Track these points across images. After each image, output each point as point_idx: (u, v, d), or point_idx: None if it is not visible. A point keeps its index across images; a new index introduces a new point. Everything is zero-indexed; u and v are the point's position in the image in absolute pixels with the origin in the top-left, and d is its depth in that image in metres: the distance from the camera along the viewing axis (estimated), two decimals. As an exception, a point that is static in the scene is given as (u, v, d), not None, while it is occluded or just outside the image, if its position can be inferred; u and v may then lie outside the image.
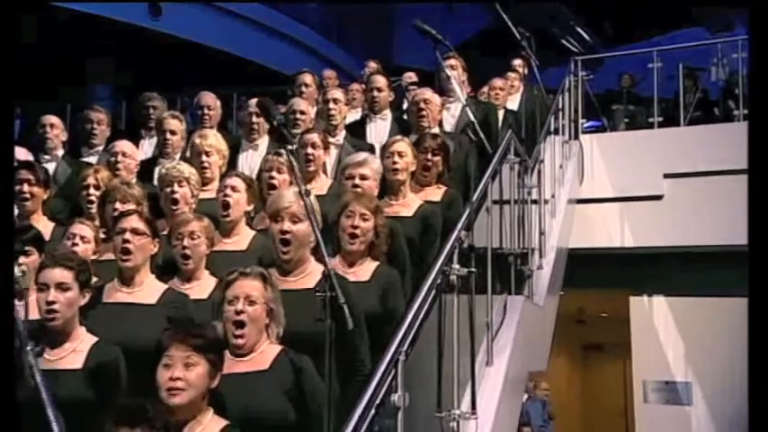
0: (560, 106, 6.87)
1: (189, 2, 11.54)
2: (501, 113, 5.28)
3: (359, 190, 3.19)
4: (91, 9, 10.97)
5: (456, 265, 3.22)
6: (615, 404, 10.55)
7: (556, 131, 6.63)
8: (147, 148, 4.72)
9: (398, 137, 3.58)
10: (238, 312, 2.37)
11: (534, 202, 5.23)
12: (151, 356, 2.45)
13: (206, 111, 4.63)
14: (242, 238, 3.33)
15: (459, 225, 3.30)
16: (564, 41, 11.39)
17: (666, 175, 7.49)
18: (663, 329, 8.05)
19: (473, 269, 3.33)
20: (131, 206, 3.23)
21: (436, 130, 3.95)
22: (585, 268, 7.36)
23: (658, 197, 7.57)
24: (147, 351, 2.59)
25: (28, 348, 1.81)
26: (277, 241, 2.65)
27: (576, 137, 7.72)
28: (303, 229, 2.64)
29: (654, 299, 8.13)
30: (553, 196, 6.26)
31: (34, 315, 2.64)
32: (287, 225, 2.63)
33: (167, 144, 4.25)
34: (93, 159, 4.54)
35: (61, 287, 2.47)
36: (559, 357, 10.52)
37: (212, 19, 11.85)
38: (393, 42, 14.88)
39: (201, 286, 3.00)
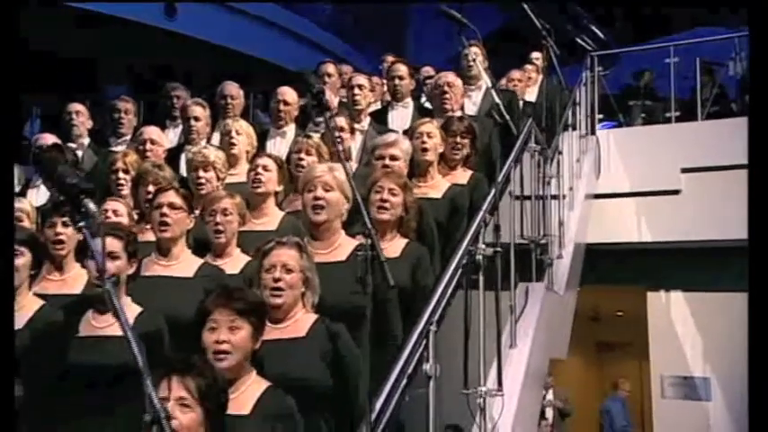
0: (577, 100, 6.94)
1: (204, 2, 11.68)
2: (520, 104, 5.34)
3: (388, 170, 3.26)
4: (107, 9, 11.16)
5: (482, 245, 3.29)
6: (630, 402, 10.54)
7: (573, 127, 6.70)
8: (173, 137, 4.82)
9: (426, 119, 3.66)
10: (276, 279, 2.45)
11: (554, 197, 5.29)
12: (189, 328, 2.54)
13: (229, 100, 4.72)
14: (272, 219, 3.40)
15: (485, 205, 3.38)
16: (578, 39, 11.43)
17: (684, 170, 7.52)
18: (680, 325, 8.07)
19: (499, 249, 3.40)
20: (164, 188, 3.31)
21: (458, 114, 4.02)
22: (602, 264, 7.41)
23: (676, 192, 7.60)
24: (184, 322, 2.69)
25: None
26: (309, 207, 2.74)
27: (593, 132, 7.78)
28: (335, 198, 2.73)
29: (671, 294, 8.15)
30: (571, 189, 6.32)
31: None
32: (320, 192, 2.71)
33: (192, 130, 4.34)
34: (120, 149, 4.64)
35: (111, 256, 2.55)
36: (574, 356, 10.53)
37: (226, 19, 11.99)
38: (406, 43, 14.98)
39: (233, 262, 3.08)
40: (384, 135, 3.51)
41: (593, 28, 11.31)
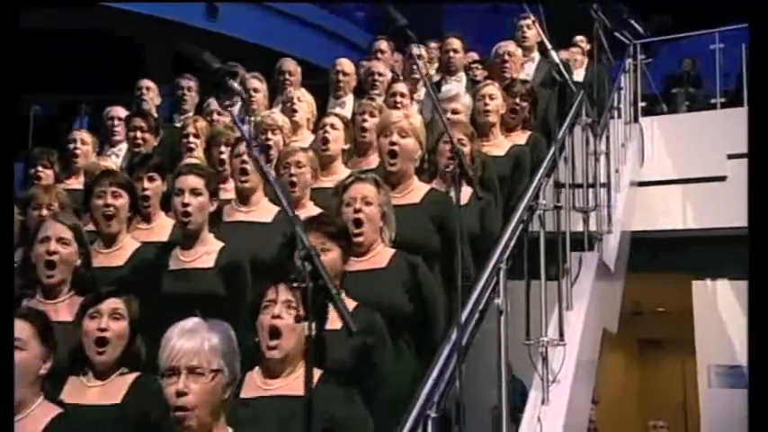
0: (621, 85, 7.04)
1: (245, 2, 12.02)
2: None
3: (455, 120, 3.42)
4: (150, 10, 11.54)
5: (543, 200, 3.44)
6: (674, 397, 10.53)
7: (617, 114, 6.80)
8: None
9: (488, 81, 3.82)
10: (356, 210, 2.63)
11: (602, 185, 5.37)
12: (268, 269, 2.73)
13: (287, 76, 4.93)
14: (340, 177, 3.58)
15: (546, 161, 3.53)
16: (617, 34, 11.50)
17: (730, 156, 7.56)
18: (726, 313, 8.08)
19: (560, 204, 3.54)
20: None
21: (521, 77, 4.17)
22: (646, 252, 7.46)
23: (722, 178, 7.64)
24: (264, 263, 2.88)
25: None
26: (385, 153, 2.92)
27: (636, 120, 7.87)
28: (410, 144, 2.90)
29: (717, 282, 8.16)
30: (617, 171, 6.42)
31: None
32: (395, 137, 2.89)
33: (252, 101, 4.55)
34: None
35: (194, 192, 2.77)
36: (615, 352, 10.54)
37: (265, 19, 12.30)
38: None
39: (307, 213, 3.26)
40: (445, 90, 3.68)
41: (632, 22, 11.38)
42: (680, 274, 8.37)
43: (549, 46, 3.66)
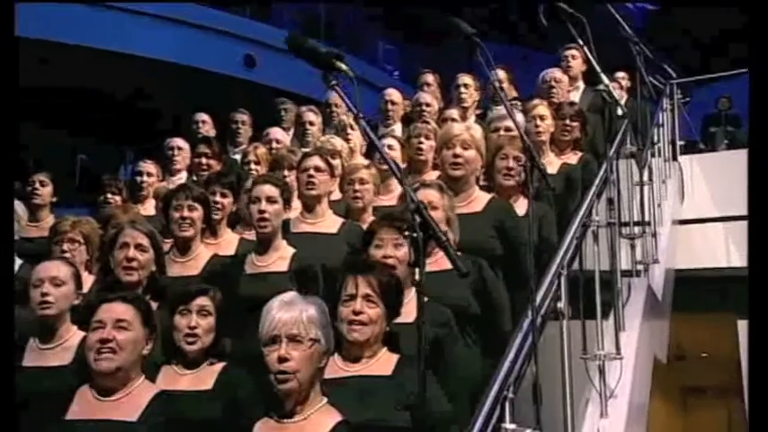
0: (660, 122, 7.22)
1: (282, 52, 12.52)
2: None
3: (510, 136, 3.62)
4: (189, 62, 12.09)
5: (597, 217, 3.60)
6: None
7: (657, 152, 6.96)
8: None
9: (538, 100, 4.03)
10: (422, 215, 2.80)
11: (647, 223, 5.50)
12: (335, 276, 2.91)
13: (334, 108, 5.19)
14: (396, 195, 3.79)
15: (598, 178, 3.70)
16: (650, 78, 11.76)
17: (772, 192, 7.63)
18: (775, 353, 8.02)
19: (613, 220, 3.70)
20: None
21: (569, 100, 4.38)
22: (690, 291, 7.48)
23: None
24: (334, 272, 3.07)
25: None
26: (448, 164, 3.11)
27: (675, 158, 8.01)
28: (472, 155, 3.09)
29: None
30: (659, 205, 6.55)
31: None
32: (458, 150, 3.09)
33: (308, 134, 4.81)
34: (238, 157, 5.14)
35: (270, 200, 2.99)
36: (655, 400, 10.41)
37: (300, 68, 12.76)
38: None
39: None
40: (497, 110, 3.89)
41: (665, 66, 11.63)
42: (725, 313, 8.35)
43: (597, 69, 3.86)
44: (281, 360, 1.98)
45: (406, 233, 1.72)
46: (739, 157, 8.17)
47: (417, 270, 1.69)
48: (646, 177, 5.58)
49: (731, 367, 8.36)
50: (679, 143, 8.23)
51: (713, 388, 11.02)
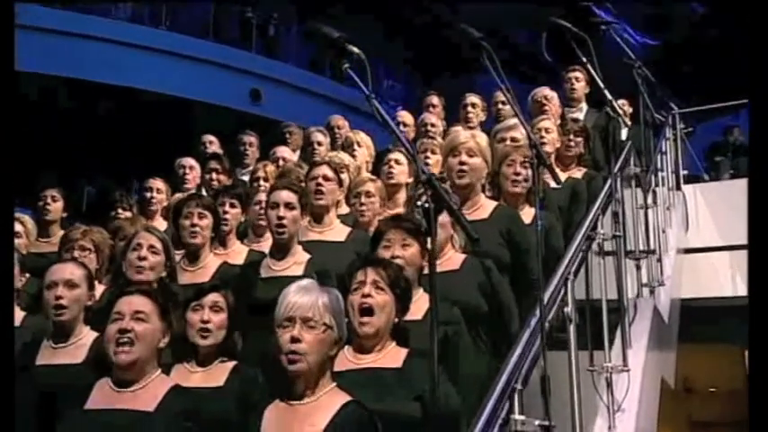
0: (663, 150, 7.30)
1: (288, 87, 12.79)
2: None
3: (516, 144, 3.69)
4: (193, 95, 12.32)
5: (602, 230, 3.66)
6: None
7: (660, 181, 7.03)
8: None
9: (543, 115, 4.12)
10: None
11: (649, 252, 5.54)
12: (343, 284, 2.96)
13: (336, 130, 5.35)
14: (402, 209, 3.86)
15: (603, 193, 3.76)
16: (656, 115, 11.92)
17: (778, 221, 7.65)
18: (784, 384, 7.95)
19: (618, 233, 3.75)
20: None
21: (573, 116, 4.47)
22: (695, 321, 7.46)
23: (770, 244, 7.70)
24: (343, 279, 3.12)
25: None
26: (454, 172, 3.18)
27: (679, 187, 8.07)
28: (477, 162, 3.17)
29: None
30: (664, 231, 6.59)
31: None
32: (464, 157, 3.16)
33: (315, 153, 4.91)
34: (245, 178, 5.23)
35: (288, 206, 3.06)
36: (665, 434, 10.30)
37: (305, 102, 12.99)
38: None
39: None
40: (504, 121, 3.98)
41: (669, 102, 11.81)
42: (731, 345, 8.31)
43: (601, 85, 3.96)
44: (294, 340, 2.04)
45: (418, 203, 1.77)
46: (743, 186, 8.24)
47: (430, 240, 1.71)
48: (650, 201, 5.66)
49: (740, 401, 8.28)
50: (683, 173, 8.31)
51: (722, 424, 10.90)
